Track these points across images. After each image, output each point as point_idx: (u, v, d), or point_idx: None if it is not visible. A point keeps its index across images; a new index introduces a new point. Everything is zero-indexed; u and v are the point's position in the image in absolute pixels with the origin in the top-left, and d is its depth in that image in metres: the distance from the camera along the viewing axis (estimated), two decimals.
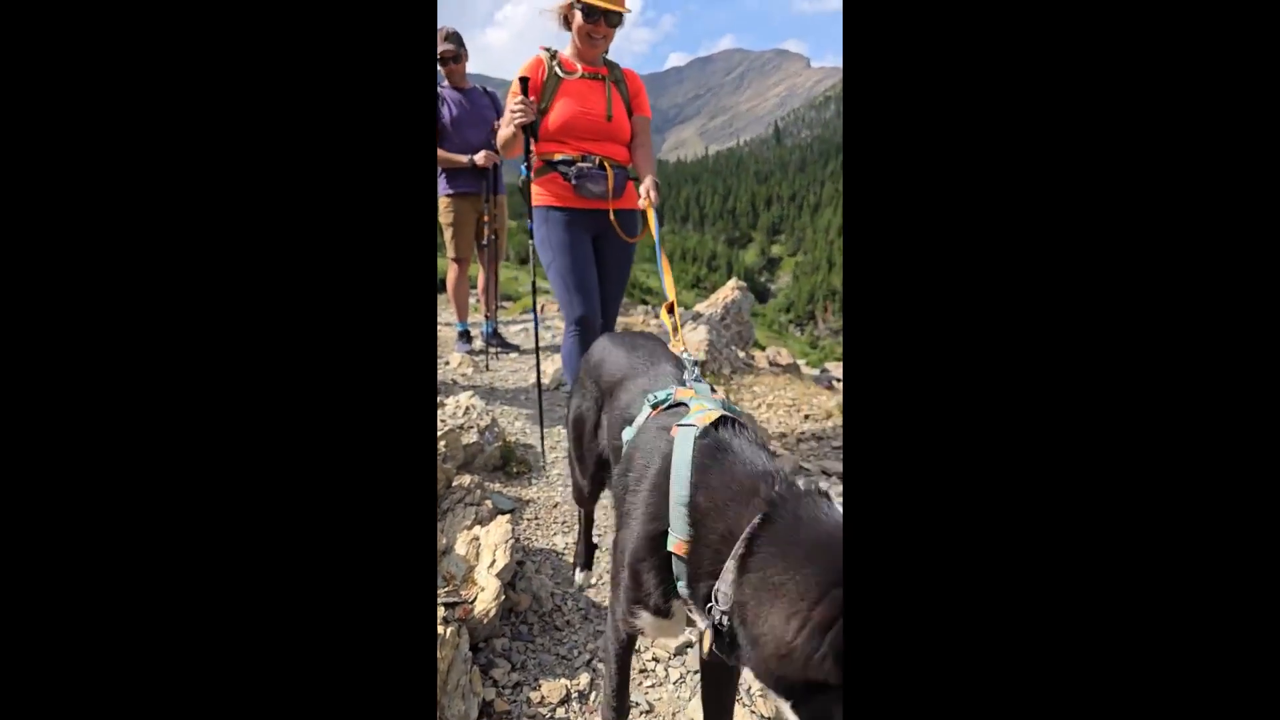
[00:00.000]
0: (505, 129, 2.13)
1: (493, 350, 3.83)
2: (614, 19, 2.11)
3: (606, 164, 2.14)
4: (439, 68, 3.41)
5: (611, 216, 2.12)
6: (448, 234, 3.54)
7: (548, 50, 2.21)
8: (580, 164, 2.11)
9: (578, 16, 2.08)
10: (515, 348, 4.00)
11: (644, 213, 2.06)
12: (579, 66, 2.16)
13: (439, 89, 3.41)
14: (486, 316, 3.96)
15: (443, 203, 3.49)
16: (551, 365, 3.43)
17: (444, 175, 3.45)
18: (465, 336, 3.86)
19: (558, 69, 2.15)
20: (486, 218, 3.49)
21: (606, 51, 2.23)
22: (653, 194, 2.01)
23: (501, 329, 4.34)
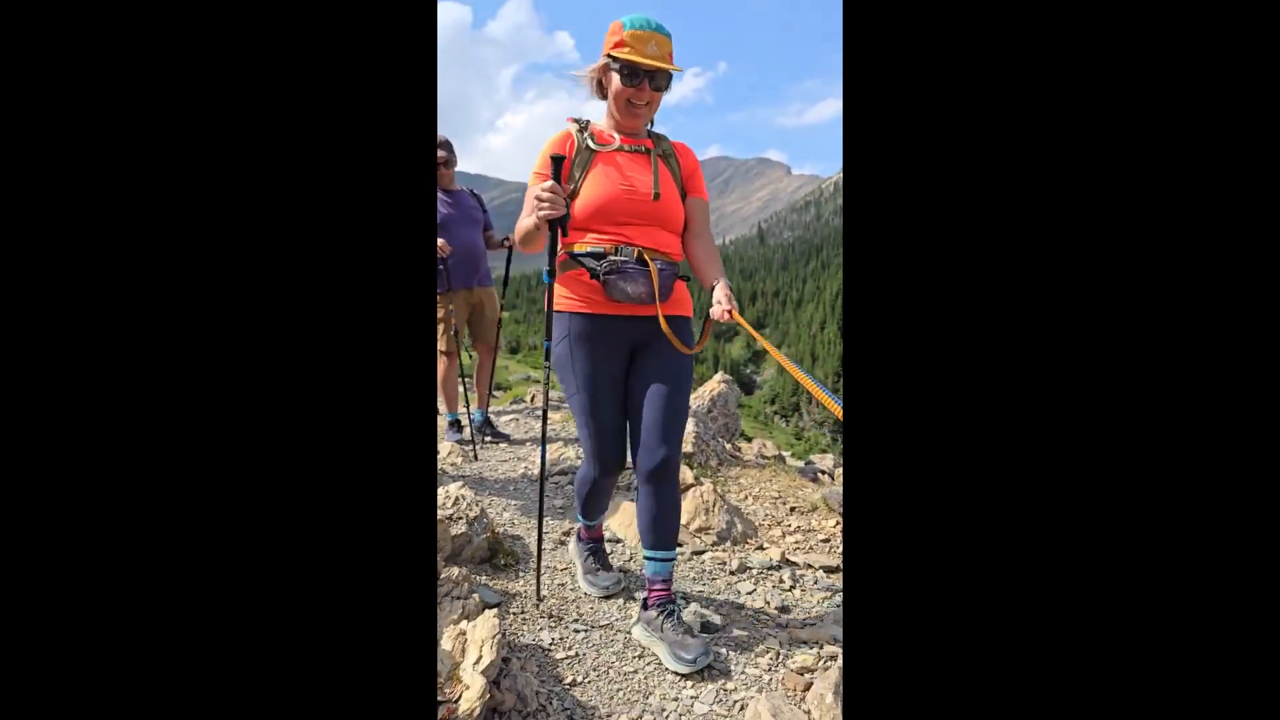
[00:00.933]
0: (526, 220, 1.65)
1: (485, 439, 3.90)
2: (660, 81, 1.62)
3: (647, 256, 1.62)
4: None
5: (663, 322, 1.60)
6: (439, 329, 3.71)
7: (576, 122, 1.74)
8: (613, 257, 1.60)
9: (615, 80, 1.63)
10: (506, 437, 4.05)
11: (706, 321, 1.63)
12: (616, 138, 1.70)
13: None
14: (477, 406, 4.06)
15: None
16: (538, 454, 3.45)
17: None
18: (456, 426, 3.94)
19: (589, 141, 1.68)
20: (442, 313, 3.65)
21: (651, 123, 1.75)
22: (727, 303, 1.55)
23: (492, 417, 4.37)
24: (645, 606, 1.78)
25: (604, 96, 1.71)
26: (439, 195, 3.66)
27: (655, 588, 1.77)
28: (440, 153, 3.60)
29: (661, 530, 1.74)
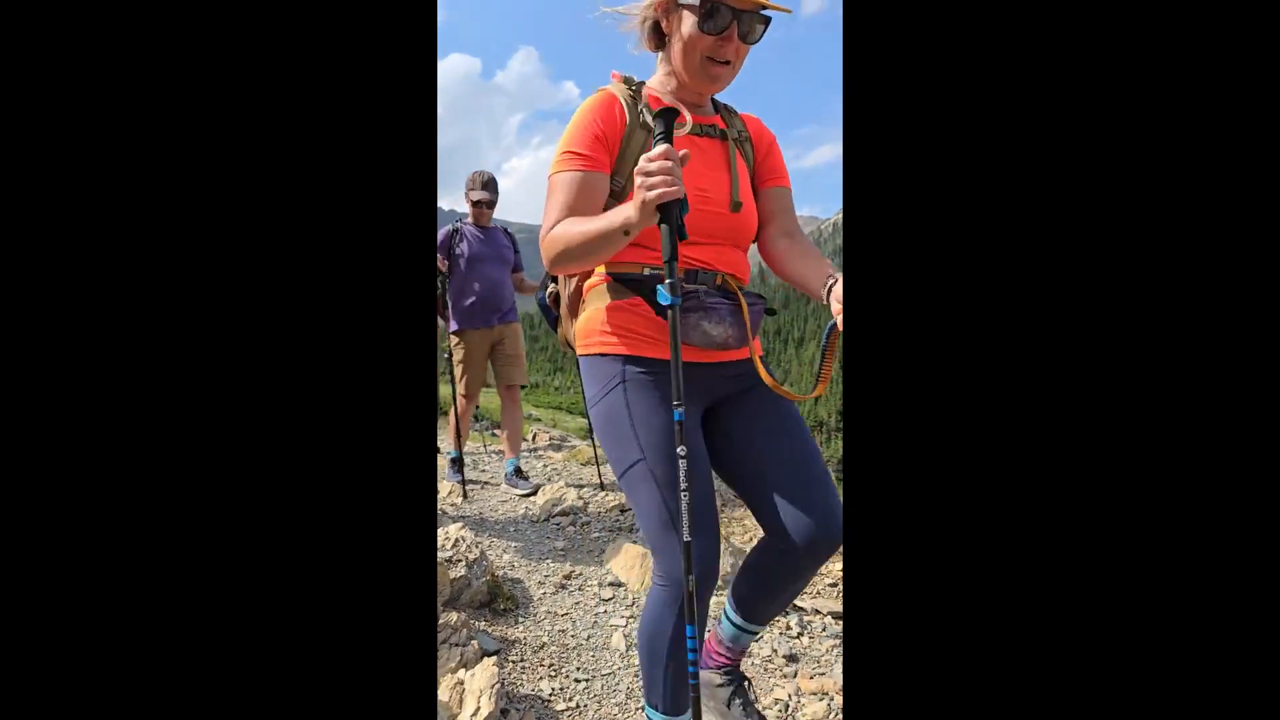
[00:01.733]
0: (584, 224, 1.06)
1: (518, 492, 3.64)
2: (752, 27, 1.12)
3: (732, 285, 1.20)
4: (472, 209, 3.68)
5: (760, 366, 1.16)
6: (458, 371, 3.62)
7: (627, 83, 1.22)
8: (693, 285, 1.15)
9: (687, 22, 1.12)
10: (536, 487, 3.66)
11: (831, 336, 1.03)
12: (687, 115, 1.20)
13: (461, 225, 3.68)
14: (507, 454, 3.84)
15: (452, 340, 3.64)
16: (543, 496, 3.40)
17: (453, 311, 3.62)
18: (457, 465, 3.78)
19: (645, 112, 1.17)
20: (459, 355, 3.60)
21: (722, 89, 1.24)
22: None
23: (491, 457, 4.33)
24: (713, 668, 1.39)
25: (659, 48, 1.21)
26: (473, 232, 3.65)
27: (733, 656, 1.38)
28: (484, 194, 3.62)
29: (778, 608, 1.27)
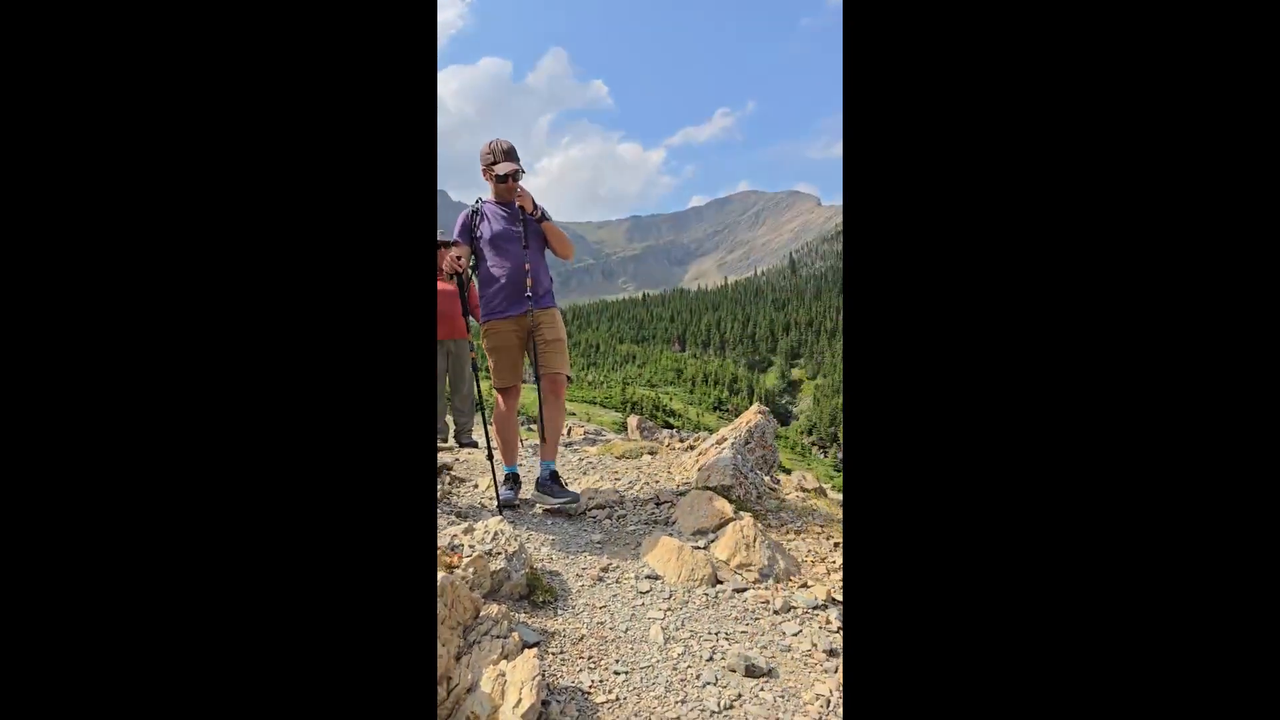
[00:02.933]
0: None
1: (551, 502, 3.08)
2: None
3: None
4: (495, 186, 3.06)
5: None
6: (491, 361, 3.14)
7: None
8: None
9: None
10: (573, 499, 3.08)
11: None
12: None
13: (481, 205, 3.11)
14: (542, 456, 3.25)
15: (483, 328, 3.17)
16: (580, 489, 3.42)
17: (483, 298, 3.17)
18: (513, 482, 3.14)
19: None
20: (488, 344, 3.11)
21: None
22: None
23: (528, 451, 4.34)
24: None
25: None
26: (496, 209, 3.07)
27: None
28: (510, 164, 2.98)
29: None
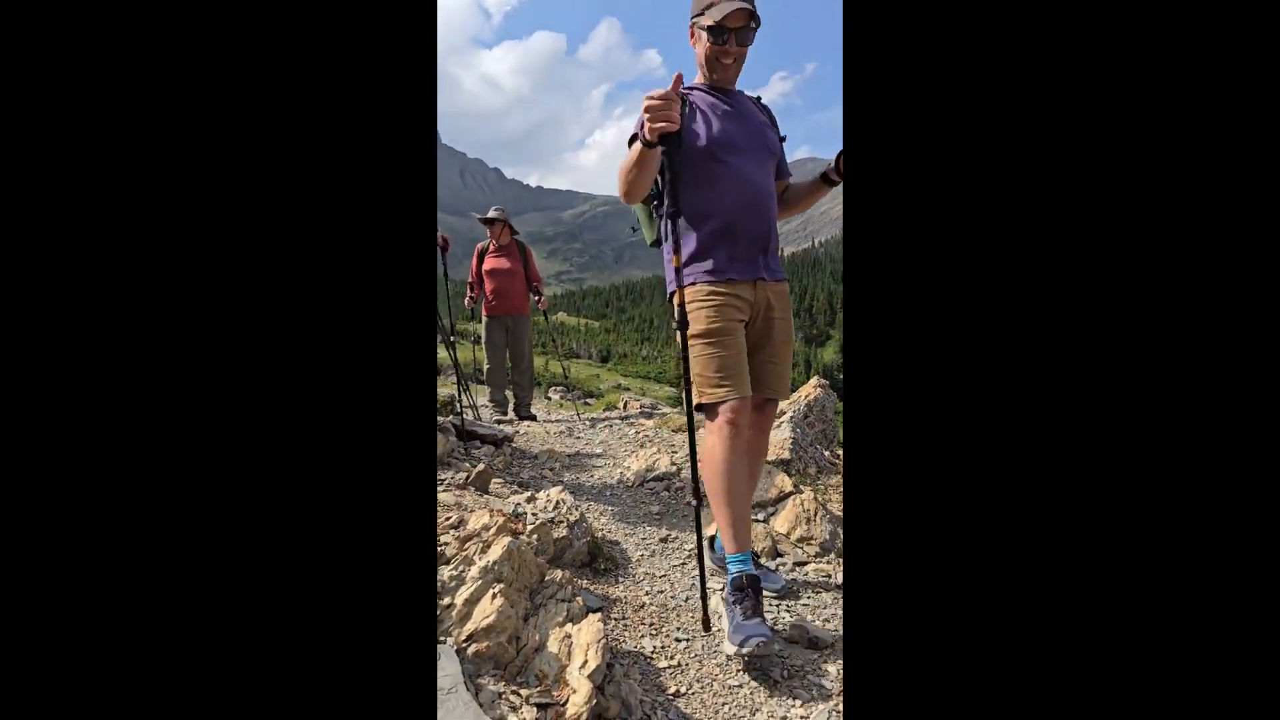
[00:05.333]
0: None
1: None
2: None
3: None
4: (709, 47, 1.92)
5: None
6: (700, 351, 1.78)
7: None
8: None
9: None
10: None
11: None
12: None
13: (690, 94, 2.39)
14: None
15: (684, 294, 1.92)
16: (638, 462, 3.46)
17: (682, 243, 1.85)
18: (753, 595, 1.70)
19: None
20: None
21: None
22: None
23: (585, 424, 4.39)
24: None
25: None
26: (711, 99, 1.91)
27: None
28: (734, 3, 1.66)
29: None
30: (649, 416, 5.36)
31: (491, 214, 4.94)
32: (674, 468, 3.38)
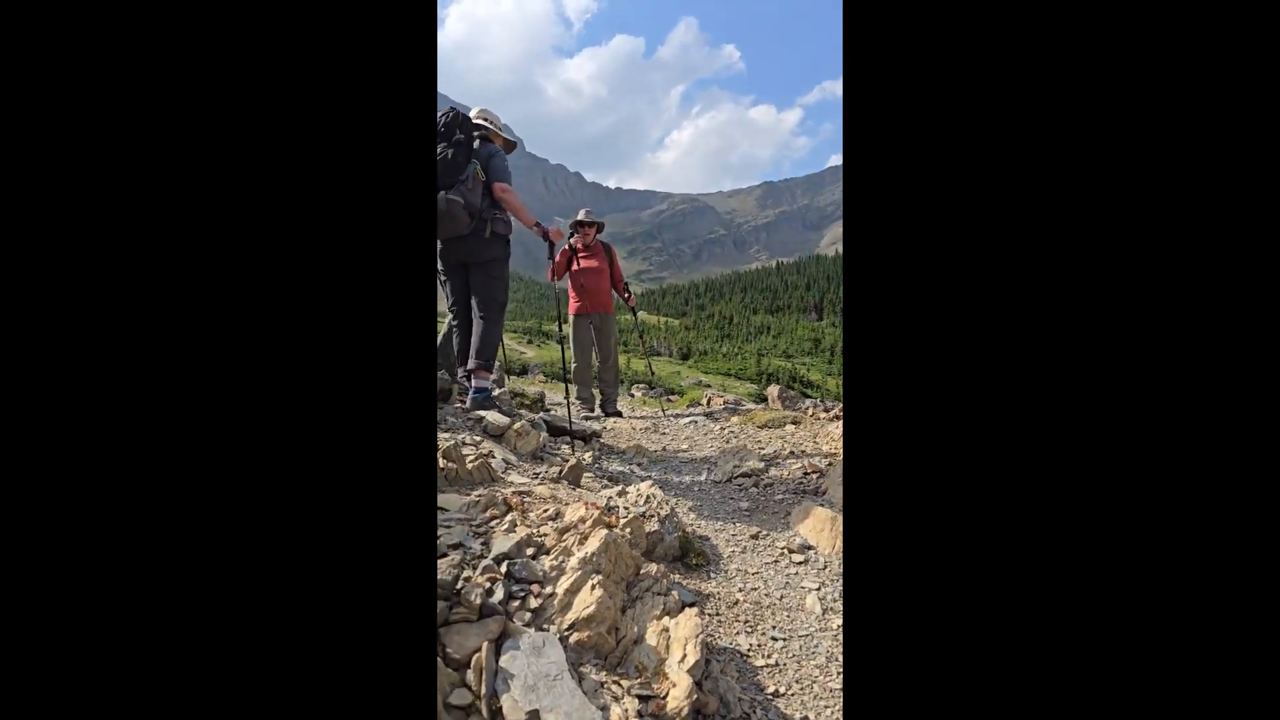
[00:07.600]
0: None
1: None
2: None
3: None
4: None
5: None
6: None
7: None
8: None
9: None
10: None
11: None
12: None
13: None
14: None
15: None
16: (725, 459, 3.43)
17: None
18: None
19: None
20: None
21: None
22: None
23: (670, 421, 4.40)
24: None
25: None
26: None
27: None
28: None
29: None
30: (733, 412, 5.30)
31: (580, 216, 5.09)
32: (762, 464, 3.32)
